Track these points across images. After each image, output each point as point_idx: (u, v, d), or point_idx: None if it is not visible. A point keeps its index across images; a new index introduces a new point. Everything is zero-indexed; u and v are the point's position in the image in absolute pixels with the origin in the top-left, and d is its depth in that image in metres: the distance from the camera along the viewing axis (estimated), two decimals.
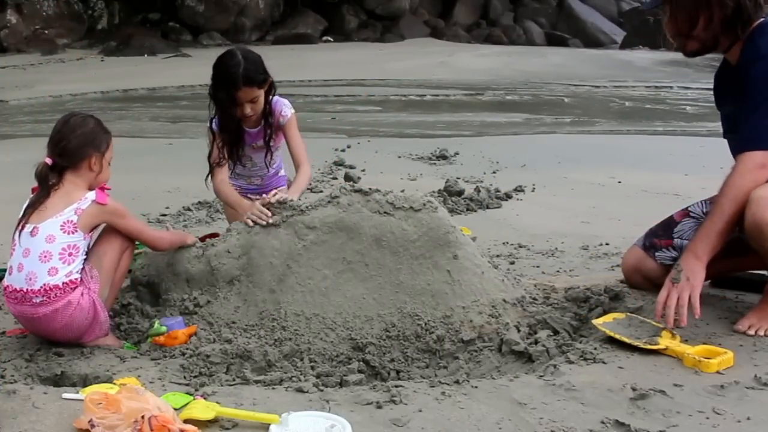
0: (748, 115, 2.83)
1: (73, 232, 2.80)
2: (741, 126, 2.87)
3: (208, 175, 3.76)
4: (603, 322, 2.84)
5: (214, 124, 3.74)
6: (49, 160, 2.87)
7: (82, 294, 2.81)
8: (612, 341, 2.76)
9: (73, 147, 2.89)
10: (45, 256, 2.76)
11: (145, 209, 5.12)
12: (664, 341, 2.69)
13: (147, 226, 3.15)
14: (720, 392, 2.42)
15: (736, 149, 2.91)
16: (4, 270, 3.52)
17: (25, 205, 2.90)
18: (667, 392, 2.41)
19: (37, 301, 2.75)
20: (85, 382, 2.57)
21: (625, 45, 24.70)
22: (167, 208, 5.35)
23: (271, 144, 3.81)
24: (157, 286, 3.18)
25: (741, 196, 2.75)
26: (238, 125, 3.71)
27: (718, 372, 2.55)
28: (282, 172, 4.12)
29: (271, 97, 3.70)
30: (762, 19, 2.90)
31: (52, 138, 2.93)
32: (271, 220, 3.12)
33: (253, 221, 3.16)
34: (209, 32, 22.04)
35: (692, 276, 2.74)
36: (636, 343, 2.70)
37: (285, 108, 3.78)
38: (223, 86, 3.57)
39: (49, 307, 2.75)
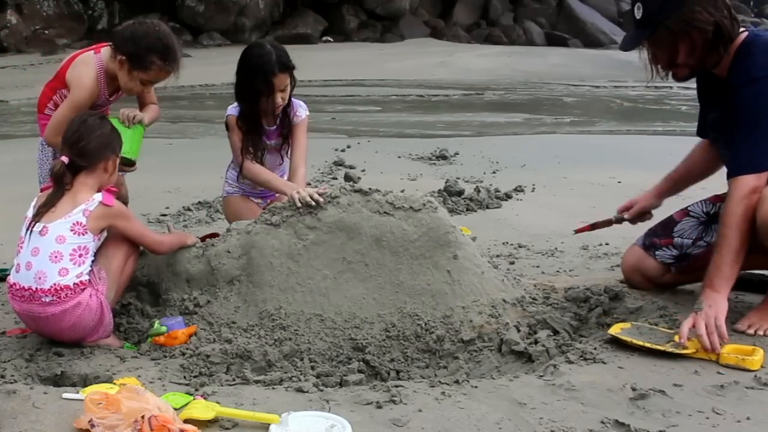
0: (740, 141, 2.85)
1: (83, 234, 2.80)
2: (733, 150, 2.89)
3: (238, 165, 3.76)
4: (621, 330, 2.80)
5: (232, 110, 3.72)
6: (65, 159, 2.87)
7: (90, 295, 2.81)
8: (612, 341, 2.76)
9: (93, 148, 2.90)
10: (55, 257, 2.76)
11: (145, 209, 5.12)
12: (693, 345, 2.67)
13: (149, 230, 3.14)
14: (720, 392, 2.43)
15: (729, 170, 2.92)
16: (4, 270, 3.53)
17: (35, 203, 2.90)
18: (666, 392, 2.41)
19: (47, 300, 2.75)
20: (85, 382, 2.57)
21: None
22: (167, 208, 5.34)
23: (285, 147, 3.81)
24: (157, 286, 3.18)
25: (741, 222, 2.79)
26: (258, 120, 3.71)
27: (717, 372, 2.55)
28: (285, 178, 4.09)
29: (292, 86, 3.70)
30: (745, 34, 2.90)
31: (70, 138, 2.92)
32: (321, 202, 3.07)
33: (303, 201, 3.09)
34: (209, 32, 22.02)
35: (714, 304, 2.75)
36: (666, 348, 2.67)
37: (300, 108, 3.80)
38: (259, 74, 3.56)
39: (58, 307, 2.75)
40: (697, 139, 3.38)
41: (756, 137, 2.82)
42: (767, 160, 2.81)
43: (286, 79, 3.60)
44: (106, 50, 3.44)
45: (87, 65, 3.44)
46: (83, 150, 2.89)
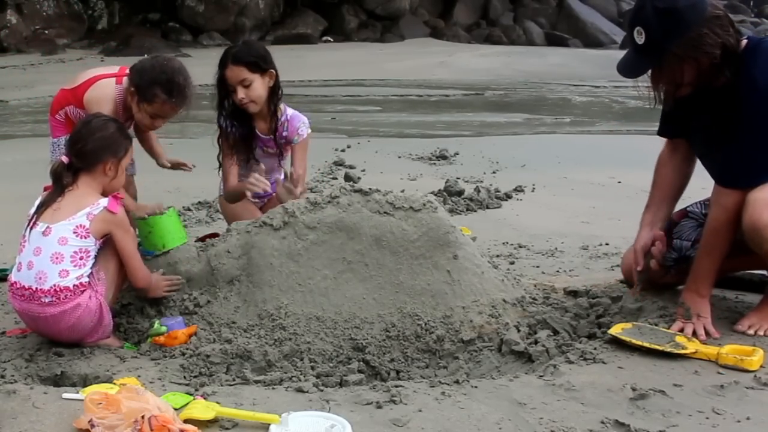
0: (733, 151, 2.81)
1: (85, 237, 2.80)
2: (724, 158, 2.86)
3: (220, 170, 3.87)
4: (621, 330, 2.80)
5: (221, 120, 3.75)
6: (65, 159, 2.88)
7: (90, 297, 2.81)
8: (612, 341, 2.76)
9: (90, 150, 2.88)
10: (57, 258, 2.76)
11: None
12: (693, 345, 2.70)
13: (138, 255, 3.00)
14: (720, 392, 2.43)
15: (717, 177, 2.91)
16: (4, 270, 3.53)
17: (37, 202, 2.89)
18: (666, 392, 2.41)
19: (46, 301, 2.75)
20: (85, 382, 2.58)
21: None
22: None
23: (282, 155, 3.79)
24: None
25: (725, 230, 2.83)
26: (235, 113, 3.67)
27: (717, 372, 2.55)
28: (281, 177, 4.08)
29: (279, 95, 3.65)
30: (745, 40, 2.80)
31: (71, 137, 2.95)
32: (266, 188, 3.48)
33: (251, 189, 3.44)
34: (209, 32, 22.00)
35: (701, 312, 2.88)
36: (666, 348, 2.67)
37: (303, 127, 3.74)
38: (218, 68, 3.60)
39: (57, 308, 2.75)
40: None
41: (748, 148, 2.78)
42: (755, 178, 2.78)
43: (240, 72, 3.52)
44: (126, 81, 3.45)
45: (106, 95, 3.44)
46: (81, 151, 2.88)
